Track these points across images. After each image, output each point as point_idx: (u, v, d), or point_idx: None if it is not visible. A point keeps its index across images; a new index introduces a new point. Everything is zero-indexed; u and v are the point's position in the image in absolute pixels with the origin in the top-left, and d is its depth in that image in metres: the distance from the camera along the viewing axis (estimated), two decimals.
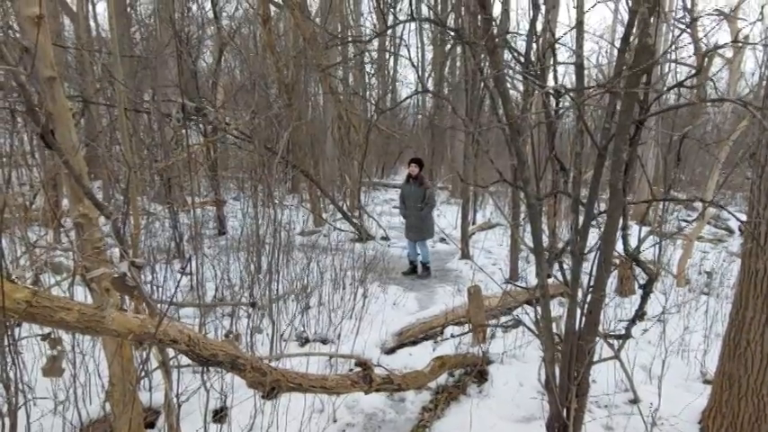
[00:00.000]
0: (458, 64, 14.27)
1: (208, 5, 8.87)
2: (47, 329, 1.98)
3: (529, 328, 3.04)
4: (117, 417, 2.40)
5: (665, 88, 2.46)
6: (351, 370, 3.49)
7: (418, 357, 3.94)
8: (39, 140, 2.12)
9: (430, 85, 14.69)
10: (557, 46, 2.93)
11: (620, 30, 14.50)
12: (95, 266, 2.15)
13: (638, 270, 3.81)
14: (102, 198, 7.31)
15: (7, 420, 1.59)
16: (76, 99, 6.62)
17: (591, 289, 2.42)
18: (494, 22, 2.47)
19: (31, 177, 6.70)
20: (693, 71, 2.27)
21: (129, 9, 10.83)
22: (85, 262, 2.16)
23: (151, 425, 2.80)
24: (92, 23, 11.75)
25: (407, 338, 4.44)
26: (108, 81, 6.86)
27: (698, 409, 3.09)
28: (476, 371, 3.66)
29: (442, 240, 8.94)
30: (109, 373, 2.40)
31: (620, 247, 2.66)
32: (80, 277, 2.22)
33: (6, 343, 1.56)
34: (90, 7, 11.73)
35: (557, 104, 2.73)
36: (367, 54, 13.13)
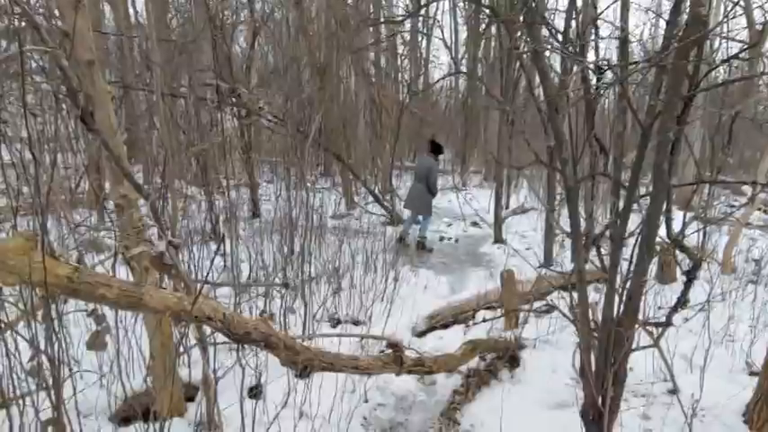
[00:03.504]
0: (492, 44, 13.90)
1: None
2: (92, 306, 2.06)
3: (564, 314, 2.97)
4: (158, 390, 2.49)
5: (719, 61, 2.31)
6: (382, 351, 3.51)
7: (449, 341, 3.93)
8: (79, 123, 2.19)
9: (464, 67, 14.39)
10: (598, 22, 2.79)
11: (666, 3, 13.76)
12: (135, 246, 2.22)
13: (680, 256, 3.66)
14: (143, 181, 7.54)
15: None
16: (117, 84, 6.82)
17: (631, 275, 2.33)
18: None
19: (76, 161, 6.97)
20: (746, 46, 2.12)
21: None
22: (126, 241, 2.24)
23: (190, 399, 2.90)
24: (131, 11, 12.01)
25: (438, 322, 4.43)
26: (146, 66, 7.02)
27: (742, 402, 2.97)
28: (508, 356, 3.62)
29: (475, 224, 8.84)
30: (150, 348, 2.49)
31: (662, 232, 2.55)
32: (122, 256, 2.30)
33: (51, 316, 1.63)
34: None
35: (597, 81, 2.61)
36: (399, 35, 12.96)
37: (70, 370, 1.99)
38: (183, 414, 2.70)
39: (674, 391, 3.20)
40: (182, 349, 2.88)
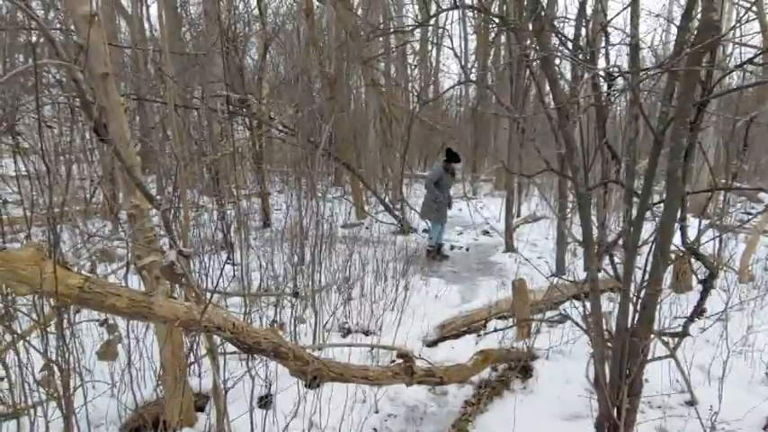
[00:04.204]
0: (502, 53, 13.93)
1: (253, 3, 9.07)
2: (105, 315, 2.07)
3: (577, 324, 2.92)
4: (168, 400, 2.49)
5: (732, 66, 2.28)
6: (392, 361, 3.48)
7: (460, 351, 3.89)
8: (92, 134, 2.22)
9: (473, 76, 14.41)
10: (608, 28, 2.78)
11: (677, 10, 13.68)
12: (147, 255, 2.23)
13: (696, 265, 3.59)
14: (156, 191, 7.63)
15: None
16: (131, 96, 6.93)
17: (645, 284, 2.29)
18: (540, 6, 2.36)
19: (91, 172, 7.08)
20: (760, 51, 2.09)
21: (179, 10, 11.20)
22: (137, 251, 2.25)
23: (201, 409, 2.89)
24: (145, 25, 12.26)
25: (449, 331, 4.39)
26: (159, 79, 7.14)
27: (763, 414, 2.89)
28: (520, 366, 3.57)
29: (486, 233, 8.79)
30: (160, 358, 2.50)
31: (676, 240, 2.51)
32: (133, 266, 2.32)
33: (62, 326, 1.65)
34: (144, 9, 12.25)
35: (608, 88, 2.59)
36: (409, 45, 13.03)
37: (82, 380, 2.00)
38: (194, 424, 2.70)
39: (691, 403, 3.13)
40: (192, 359, 2.89)
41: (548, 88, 2.39)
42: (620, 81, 2.68)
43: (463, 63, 13.86)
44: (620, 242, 2.58)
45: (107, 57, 2.18)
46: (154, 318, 1.59)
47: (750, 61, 2.01)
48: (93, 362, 2.90)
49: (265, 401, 2.90)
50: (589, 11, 3.12)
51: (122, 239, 2.80)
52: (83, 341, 3.04)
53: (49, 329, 1.81)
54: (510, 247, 7.45)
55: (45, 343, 1.72)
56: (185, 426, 2.60)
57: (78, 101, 2.06)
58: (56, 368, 1.66)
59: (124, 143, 2.18)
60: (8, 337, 1.82)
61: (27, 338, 1.88)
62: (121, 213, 5.36)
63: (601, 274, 2.66)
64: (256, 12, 9.12)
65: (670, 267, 5.19)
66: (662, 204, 2.21)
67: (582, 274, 5.26)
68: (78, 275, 1.43)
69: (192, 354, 2.86)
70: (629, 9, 2.27)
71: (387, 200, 9.26)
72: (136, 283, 2.60)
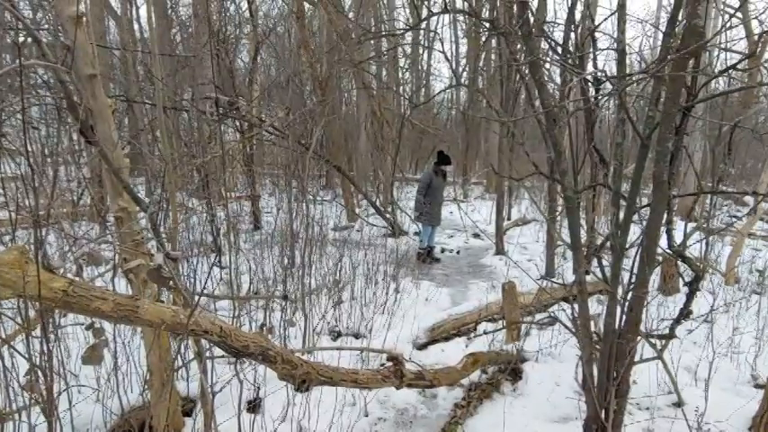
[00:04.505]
0: (492, 56, 14.03)
1: (244, 5, 9.04)
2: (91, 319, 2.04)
3: (566, 326, 2.94)
4: (155, 404, 2.47)
5: (716, 71, 2.32)
6: (382, 365, 3.48)
7: (451, 354, 3.89)
8: (79, 135, 2.20)
9: (464, 79, 14.48)
10: (596, 34, 2.81)
11: (665, 16, 13.87)
12: (134, 258, 2.21)
13: (683, 267, 3.63)
14: (145, 193, 7.55)
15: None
16: (120, 98, 6.87)
17: (632, 286, 2.32)
18: (529, 10, 2.38)
19: (78, 174, 7.00)
20: (744, 56, 2.13)
21: (169, 11, 11.13)
22: (125, 254, 2.23)
23: (188, 413, 2.87)
24: (135, 26, 12.17)
25: (440, 334, 4.39)
26: (149, 80, 7.09)
27: (748, 415, 2.92)
28: (509, 368, 3.58)
29: (476, 236, 8.82)
30: (147, 362, 2.47)
31: (663, 242, 2.53)
32: (121, 269, 2.30)
33: (47, 330, 1.62)
34: (134, 11, 12.15)
35: (596, 92, 2.62)
36: (400, 48, 13.07)
37: (66, 384, 1.97)
38: (181, 429, 2.67)
39: (678, 404, 3.16)
40: (179, 362, 2.86)
41: (537, 92, 2.41)
42: (607, 86, 2.71)
43: (454, 66, 13.95)
44: (608, 245, 2.61)
45: (95, 58, 2.16)
46: (140, 321, 1.58)
47: (734, 67, 2.04)
48: (78, 366, 2.86)
49: (254, 405, 2.88)
50: (578, 16, 3.15)
51: (109, 242, 2.77)
52: (68, 345, 3.00)
53: (33, 333, 1.79)
54: (500, 250, 7.49)
55: (29, 347, 1.69)
56: (172, 431, 2.57)
57: (65, 102, 2.04)
58: (40, 372, 1.64)
59: (111, 145, 2.16)
60: None
61: (11, 343, 1.85)
62: (109, 216, 5.30)
63: (589, 277, 2.69)
64: (247, 14, 9.08)
65: (657, 270, 5.24)
66: (649, 207, 2.24)
67: (571, 277, 5.29)
68: (62, 279, 1.41)
69: (179, 357, 2.83)
70: (617, 15, 2.30)
71: (378, 203, 9.26)
72: (123, 287, 2.58)
